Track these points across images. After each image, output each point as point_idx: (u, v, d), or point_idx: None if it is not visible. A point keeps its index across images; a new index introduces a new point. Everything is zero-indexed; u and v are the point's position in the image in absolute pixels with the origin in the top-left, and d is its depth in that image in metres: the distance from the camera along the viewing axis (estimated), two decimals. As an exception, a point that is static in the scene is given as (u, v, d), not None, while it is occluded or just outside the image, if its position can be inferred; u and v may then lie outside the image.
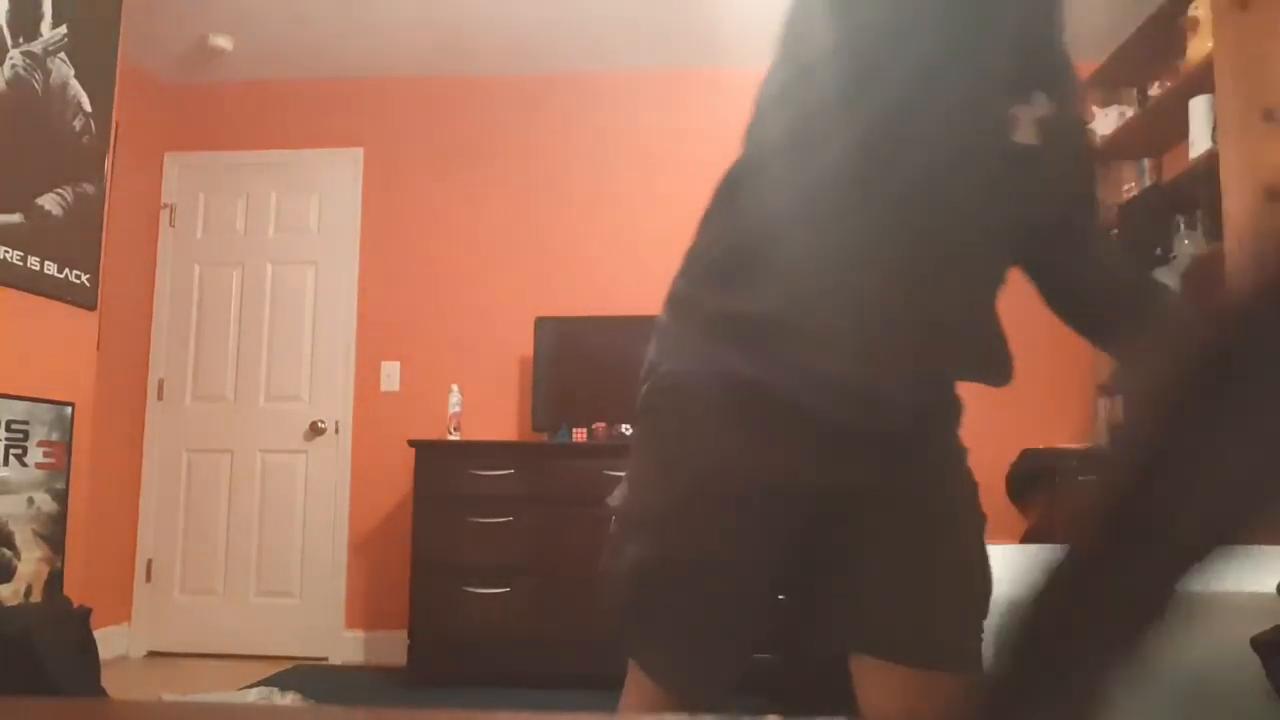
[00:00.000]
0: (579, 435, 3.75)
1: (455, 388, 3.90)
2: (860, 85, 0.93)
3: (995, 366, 1.04)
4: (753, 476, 1.01)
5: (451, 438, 3.81)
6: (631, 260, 4.18)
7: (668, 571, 1.04)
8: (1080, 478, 3.21)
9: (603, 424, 3.78)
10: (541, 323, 3.99)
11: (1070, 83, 1.06)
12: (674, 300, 1.09)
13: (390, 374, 4.21)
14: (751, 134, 1.08)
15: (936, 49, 0.92)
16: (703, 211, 1.10)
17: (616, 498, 1.11)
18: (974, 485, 1.11)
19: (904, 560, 1.04)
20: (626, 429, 3.77)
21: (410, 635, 3.54)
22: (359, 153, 4.36)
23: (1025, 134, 0.97)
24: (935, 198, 0.94)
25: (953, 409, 1.11)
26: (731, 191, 1.08)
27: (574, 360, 3.95)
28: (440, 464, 3.61)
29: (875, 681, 1.07)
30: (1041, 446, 3.55)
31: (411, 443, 3.67)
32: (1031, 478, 3.49)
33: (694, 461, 1.03)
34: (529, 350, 4.04)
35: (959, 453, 1.11)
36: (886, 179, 0.93)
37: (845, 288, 0.95)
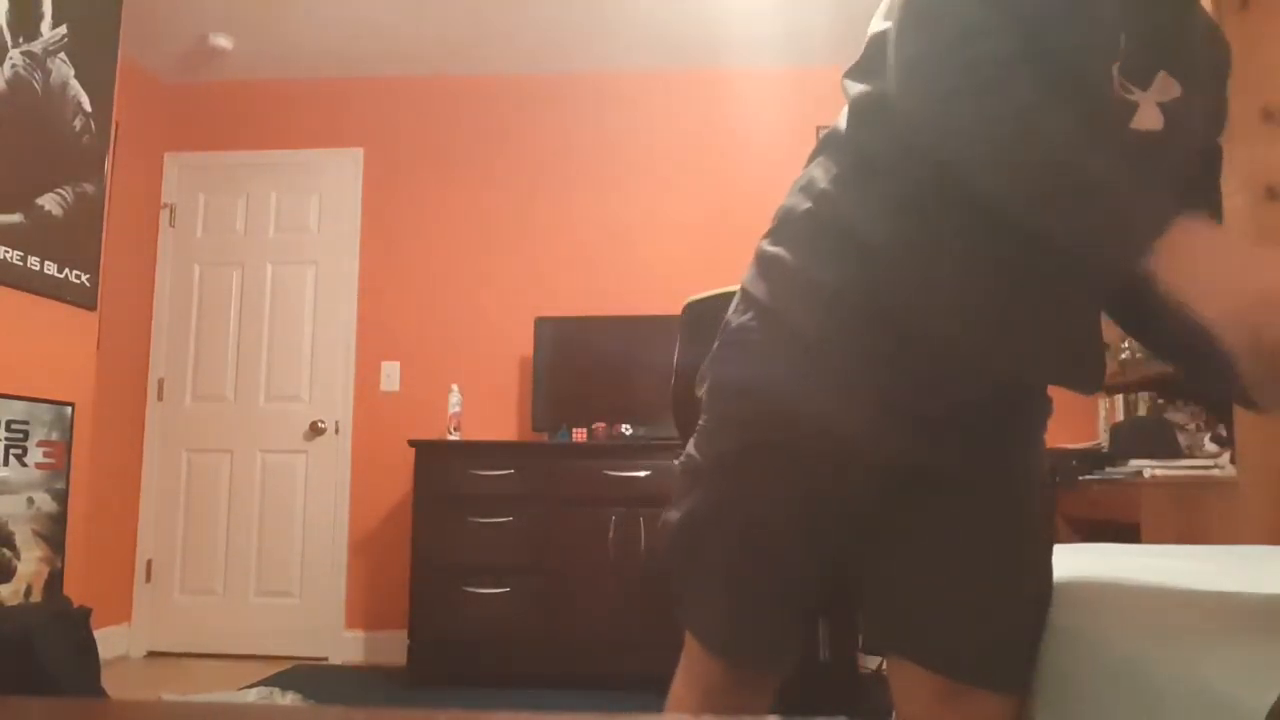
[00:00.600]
0: (579, 435, 3.75)
1: (455, 388, 3.90)
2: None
3: (1090, 375, 1.01)
4: (810, 433, 0.97)
5: (451, 438, 3.82)
6: (631, 260, 4.18)
7: (714, 521, 1.02)
8: (1080, 478, 3.21)
9: (603, 424, 3.78)
10: (541, 323, 3.99)
11: (1206, 64, 0.97)
12: (761, 257, 1.05)
13: (390, 374, 4.21)
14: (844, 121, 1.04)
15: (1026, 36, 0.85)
16: (828, 176, 1.02)
17: (680, 457, 1.10)
18: (1050, 488, 1.10)
19: (962, 560, 1.00)
20: (626, 429, 3.77)
21: (410, 635, 3.54)
22: (359, 153, 4.36)
23: (1146, 119, 0.90)
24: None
25: (1041, 408, 1.09)
26: (823, 169, 1.02)
27: (574, 360, 3.95)
28: (440, 464, 3.61)
29: (913, 689, 1.02)
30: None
31: (411, 443, 3.67)
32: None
33: (754, 410, 1.01)
34: (529, 350, 4.04)
35: (1039, 455, 1.09)
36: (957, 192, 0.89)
37: (954, 287, 0.92)
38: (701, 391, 1.10)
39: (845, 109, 1.04)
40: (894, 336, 0.95)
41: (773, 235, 1.06)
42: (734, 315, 1.08)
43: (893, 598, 1.04)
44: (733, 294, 1.13)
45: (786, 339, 0.99)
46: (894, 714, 1.11)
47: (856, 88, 1.01)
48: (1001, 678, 1.00)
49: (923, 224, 0.93)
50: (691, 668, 1.10)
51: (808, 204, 1.01)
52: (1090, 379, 1.00)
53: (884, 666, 1.14)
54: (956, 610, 1.00)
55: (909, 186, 0.94)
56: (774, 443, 0.99)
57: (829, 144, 1.05)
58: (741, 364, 1.04)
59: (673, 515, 1.07)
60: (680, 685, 1.12)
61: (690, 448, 1.09)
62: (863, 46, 1.03)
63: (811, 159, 1.07)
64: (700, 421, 1.09)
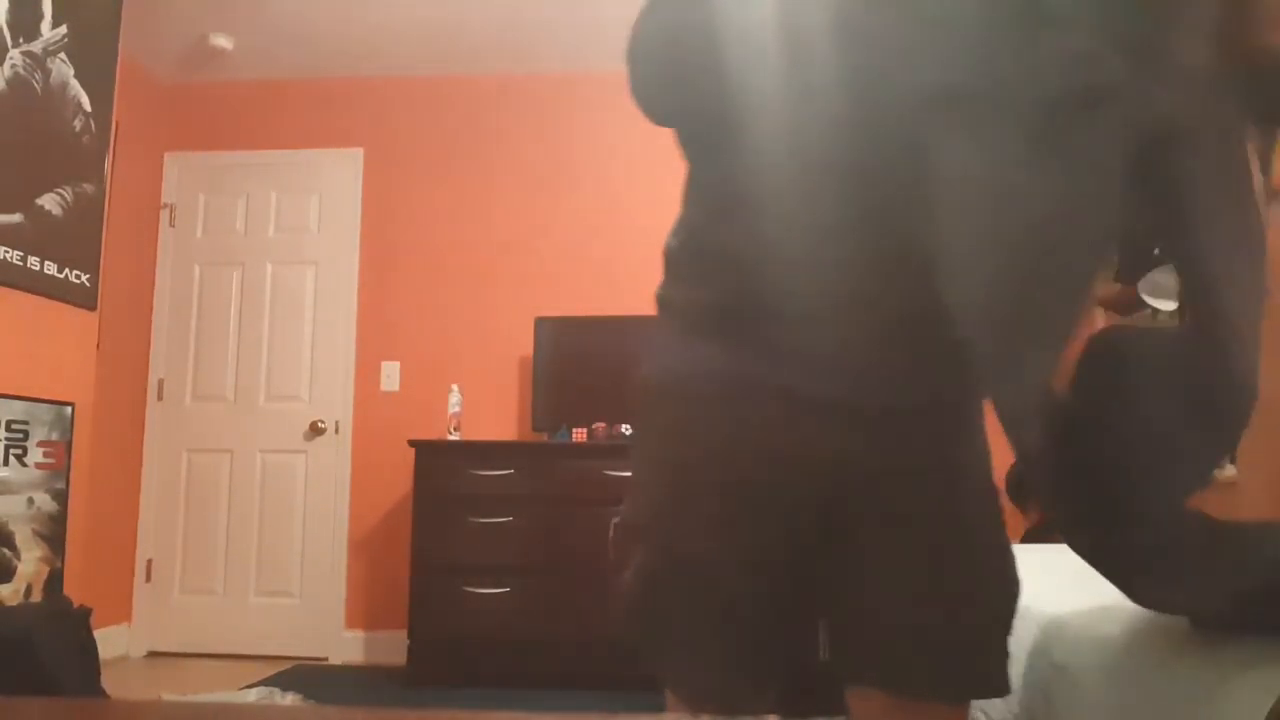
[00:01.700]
0: (579, 435, 3.75)
1: (455, 388, 3.90)
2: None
3: (1013, 413, 0.90)
4: (740, 463, 0.95)
5: (451, 438, 3.82)
6: (631, 260, 4.18)
7: (673, 576, 0.99)
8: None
9: (603, 424, 3.78)
10: (541, 323, 3.99)
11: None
12: (658, 304, 1.06)
13: (390, 374, 4.21)
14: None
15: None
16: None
17: (624, 510, 1.07)
18: (993, 489, 1.01)
19: (909, 576, 0.95)
20: (627, 429, 3.77)
21: (410, 635, 3.54)
22: (359, 153, 4.36)
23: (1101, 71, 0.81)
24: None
25: (971, 405, 1.01)
26: (693, 190, 1.05)
27: (574, 360, 3.95)
28: (440, 464, 3.61)
29: (864, 708, 0.98)
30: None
31: (411, 443, 3.67)
32: (1029, 478, 3.48)
33: (681, 457, 0.99)
34: (529, 350, 4.04)
35: (974, 454, 1.01)
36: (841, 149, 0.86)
37: (812, 265, 0.89)
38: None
39: None
40: (787, 322, 0.92)
41: (665, 277, 1.09)
42: (646, 357, 1.08)
43: (838, 620, 1.01)
44: None
45: (702, 379, 0.99)
46: None
47: None
48: (951, 690, 0.96)
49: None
50: (670, 709, 1.09)
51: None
52: (1013, 415, 0.84)
53: None
54: (896, 626, 0.95)
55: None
56: (708, 487, 0.97)
57: None
58: (661, 414, 1.03)
59: (622, 578, 1.04)
60: None
61: (626, 501, 1.07)
62: None
63: None
64: (631, 465, 1.08)
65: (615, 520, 1.09)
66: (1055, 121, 0.76)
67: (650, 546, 1.02)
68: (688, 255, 1.01)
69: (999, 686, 0.96)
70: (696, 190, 1.02)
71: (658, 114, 1.01)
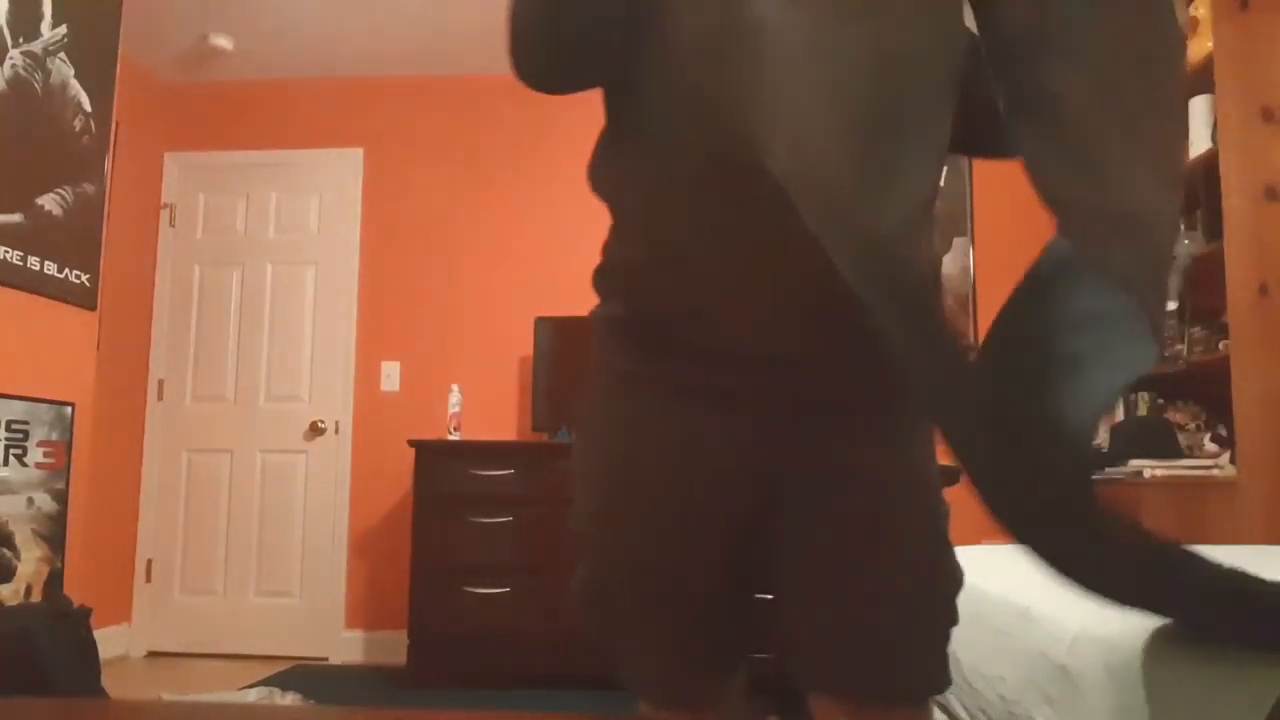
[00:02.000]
0: (579, 435, 3.74)
1: (455, 388, 3.90)
2: None
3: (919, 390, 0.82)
4: (669, 470, 0.95)
5: (451, 438, 3.82)
6: (631, 260, 4.18)
7: (613, 581, 1.01)
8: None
9: (603, 424, 3.78)
10: (541, 323, 3.99)
11: None
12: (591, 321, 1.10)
13: (390, 374, 4.21)
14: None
15: None
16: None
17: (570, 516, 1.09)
18: (932, 473, 0.96)
19: (841, 576, 0.92)
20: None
21: (410, 635, 3.54)
22: (359, 153, 4.36)
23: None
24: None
25: (905, 401, 0.93)
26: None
27: (574, 360, 3.95)
28: (440, 464, 3.61)
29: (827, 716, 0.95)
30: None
31: (411, 443, 3.67)
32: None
33: (606, 466, 1.01)
34: (529, 350, 4.04)
35: (905, 435, 0.96)
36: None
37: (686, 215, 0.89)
38: None
39: None
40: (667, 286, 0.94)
41: None
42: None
43: (785, 627, 0.98)
44: None
45: (616, 386, 1.03)
46: None
47: None
48: (909, 692, 0.93)
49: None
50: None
51: None
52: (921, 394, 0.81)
53: None
54: (843, 630, 0.92)
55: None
56: (635, 490, 0.98)
57: None
58: (587, 426, 1.08)
59: (573, 586, 1.06)
60: None
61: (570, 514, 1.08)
62: None
63: None
64: None
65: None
66: None
67: (590, 557, 1.03)
68: (602, 272, 1.04)
69: (944, 683, 0.94)
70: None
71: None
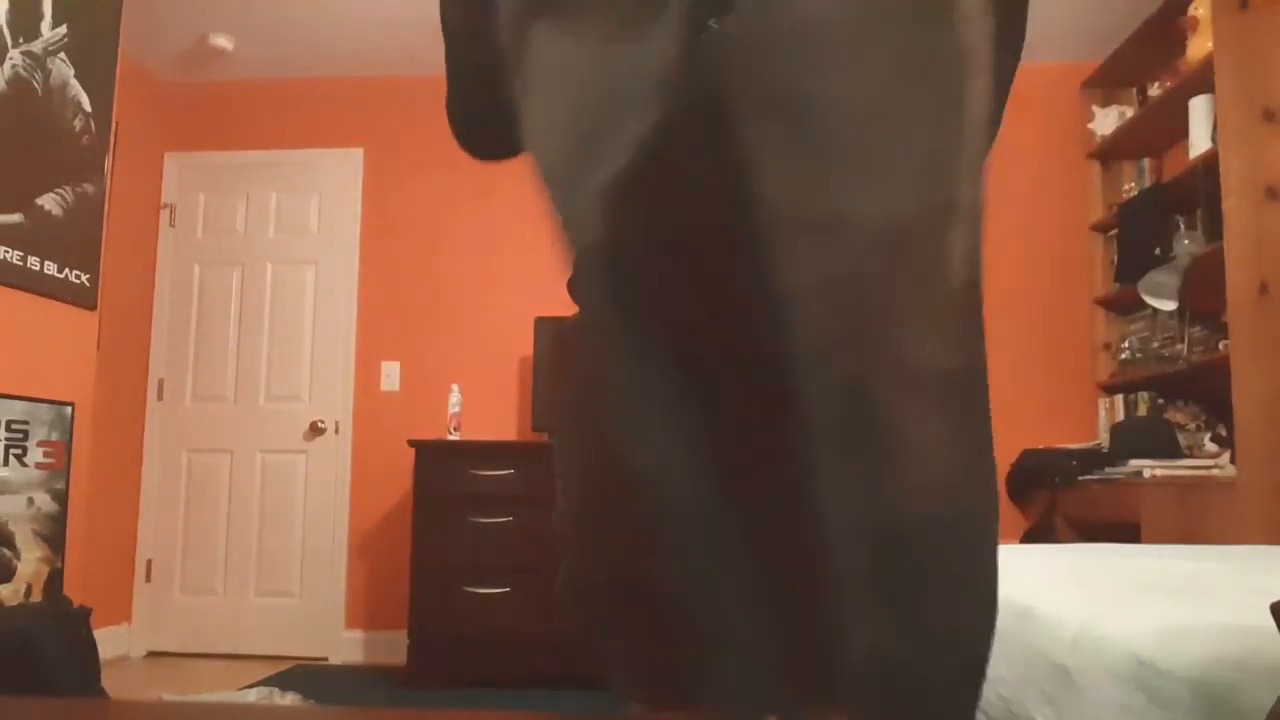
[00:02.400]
0: (579, 435, 3.75)
1: (455, 388, 3.90)
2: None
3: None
4: (618, 459, 0.93)
5: (451, 438, 3.82)
6: (631, 260, 4.18)
7: (592, 580, 1.01)
8: (1080, 478, 3.21)
9: (603, 424, 3.77)
10: (541, 323, 3.99)
11: None
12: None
13: (390, 374, 4.21)
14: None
15: None
16: None
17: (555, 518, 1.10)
18: (993, 500, 0.97)
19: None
20: (626, 429, 3.77)
21: (410, 635, 3.54)
22: (359, 153, 4.36)
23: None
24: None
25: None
26: None
27: (574, 360, 3.95)
28: (440, 464, 3.61)
29: None
30: (1041, 446, 3.55)
31: (411, 443, 3.67)
32: (1031, 478, 3.49)
33: (570, 463, 1.03)
34: (529, 350, 4.04)
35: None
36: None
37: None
38: None
39: None
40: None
41: None
42: None
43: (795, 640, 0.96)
44: None
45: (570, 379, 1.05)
46: None
47: None
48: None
49: None
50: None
51: None
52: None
53: None
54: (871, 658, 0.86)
55: None
56: (590, 485, 0.99)
57: None
58: (560, 429, 1.08)
59: (559, 590, 1.06)
60: None
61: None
62: None
63: None
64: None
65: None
66: None
67: (569, 559, 1.04)
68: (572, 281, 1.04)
69: None
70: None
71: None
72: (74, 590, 2.64)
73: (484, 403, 4.09)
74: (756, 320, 0.83)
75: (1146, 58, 3.54)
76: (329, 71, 4.34)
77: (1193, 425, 3.15)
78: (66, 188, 2.69)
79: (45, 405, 2.62)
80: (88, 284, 2.79)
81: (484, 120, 1.14)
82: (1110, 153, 3.85)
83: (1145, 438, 3.08)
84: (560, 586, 1.04)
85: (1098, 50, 3.73)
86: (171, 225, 4.37)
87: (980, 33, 0.77)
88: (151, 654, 4.10)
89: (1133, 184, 3.73)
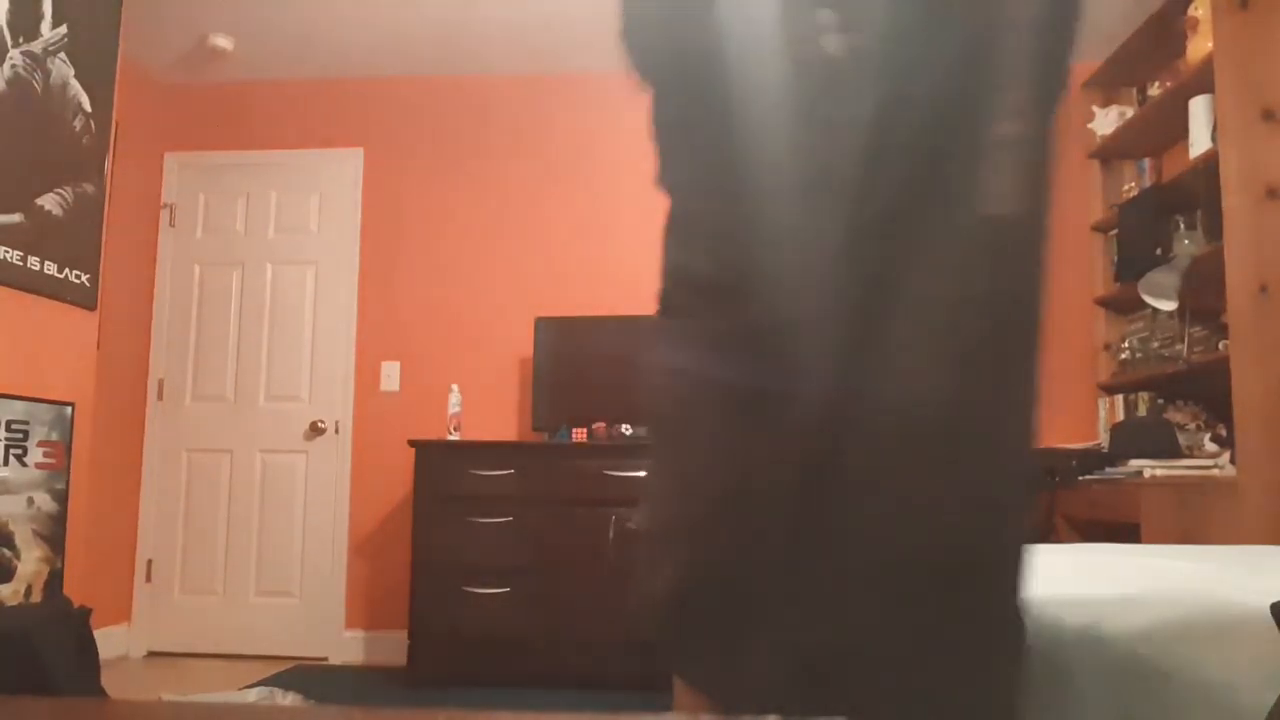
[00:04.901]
0: (579, 435, 3.75)
1: (455, 388, 3.90)
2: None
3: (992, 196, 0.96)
4: (749, 469, 0.96)
5: (451, 438, 3.82)
6: (631, 260, 4.18)
7: (709, 585, 1.00)
8: (1080, 478, 3.21)
9: (603, 424, 3.78)
10: (541, 323, 3.99)
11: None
12: (663, 307, 1.07)
13: (390, 374, 4.21)
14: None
15: None
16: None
17: (641, 518, 1.08)
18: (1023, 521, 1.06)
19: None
20: (627, 429, 3.78)
21: (410, 635, 3.54)
22: (359, 153, 4.36)
23: (830, 46, 0.88)
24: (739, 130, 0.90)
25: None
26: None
27: (574, 360, 3.95)
28: (440, 464, 3.62)
29: None
30: (1041, 446, 3.55)
31: (411, 443, 3.67)
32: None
33: (698, 464, 1.00)
34: (529, 350, 4.04)
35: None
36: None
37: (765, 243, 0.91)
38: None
39: None
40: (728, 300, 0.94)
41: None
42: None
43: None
44: None
45: (679, 382, 1.01)
46: None
47: None
48: None
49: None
50: (680, 709, 1.09)
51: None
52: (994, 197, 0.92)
53: None
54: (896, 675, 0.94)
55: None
56: (718, 492, 0.98)
57: None
58: (661, 423, 1.04)
59: (656, 587, 1.05)
60: None
61: (647, 509, 1.07)
62: None
63: None
64: (647, 482, 1.08)
65: (628, 523, 1.09)
66: None
67: (681, 560, 1.02)
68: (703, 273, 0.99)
69: None
70: (683, 179, 1.01)
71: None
72: (74, 590, 2.64)
73: (484, 403, 4.10)
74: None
75: (1146, 58, 3.54)
76: (329, 71, 4.34)
77: (1193, 425, 3.15)
78: (66, 188, 2.69)
79: (45, 405, 2.62)
80: (88, 284, 2.79)
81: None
82: (1110, 153, 3.85)
83: (1145, 438, 3.08)
84: (661, 586, 1.03)
85: (1098, 50, 3.73)
86: (171, 225, 4.37)
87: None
88: (151, 654, 4.10)
89: (1133, 184, 3.73)
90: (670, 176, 0.97)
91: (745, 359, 0.94)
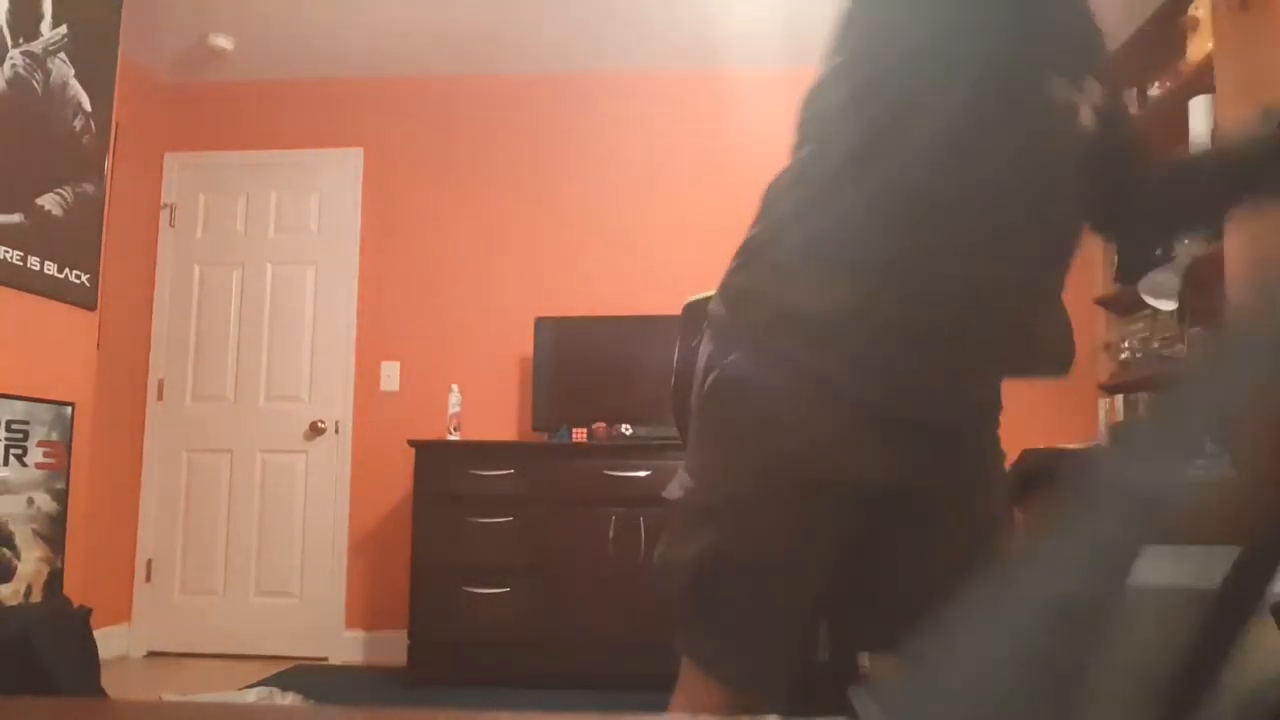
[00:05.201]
0: (579, 435, 3.75)
1: (455, 388, 3.90)
2: (928, 90, 0.93)
3: (1061, 359, 1.03)
4: (820, 471, 1.00)
5: (451, 438, 3.81)
6: (631, 260, 4.18)
7: (735, 562, 1.03)
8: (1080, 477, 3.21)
9: (603, 424, 3.78)
10: (541, 323, 3.99)
11: (1107, 61, 1.07)
12: (734, 293, 1.07)
13: (390, 374, 4.21)
14: (814, 133, 1.05)
15: (998, 46, 0.93)
16: (760, 206, 1.09)
17: (677, 490, 1.09)
18: (1007, 486, 1.14)
19: (945, 568, 1.03)
20: (626, 429, 3.77)
21: (410, 635, 3.54)
22: (359, 153, 4.36)
23: (1086, 120, 0.99)
24: (1005, 196, 0.95)
25: (997, 407, 1.12)
26: (794, 187, 1.05)
27: (574, 360, 3.95)
28: (440, 464, 3.61)
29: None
30: (1041, 446, 3.55)
31: (411, 443, 3.67)
32: (1031, 478, 3.48)
33: (764, 453, 1.02)
34: (529, 350, 4.04)
35: (1000, 455, 1.14)
36: (955, 181, 0.94)
37: (918, 285, 0.95)
38: (697, 416, 1.10)
39: (829, 96, 1.05)
40: (892, 341, 0.97)
41: (742, 270, 1.07)
42: (718, 348, 1.07)
43: (888, 605, 1.08)
44: None
45: (784, 377, 1.01)
46: None
47: (850, 72, 1.03)
48: None
49: (920, 206, 0.95)
50: (690, 700, 1.10)
51: (789, 225, 1.03)
52: (1066, 361, 1.04)
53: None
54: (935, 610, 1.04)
55: (907, 155, 0.95)
56: (789, 483, 1.00)
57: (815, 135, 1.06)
58: (746, 407, 1.04)
59: (680, 554, 1.07)
60: (677, 714, 1.13)
61: (688, 480, 1.08)
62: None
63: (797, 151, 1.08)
64: (696, 448, 1.09)
65: (673, 497, 1.09)
66: None
67: (714, 532, 1.04)
68: (802, 256, 1.01)
69: None
70: (831, 193, 1.00)
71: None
72: (74, 590, 2.64)
73: (484, 403, 4.09)
74: None
75: (1147, 58, 3.53)
76: (329, 72, 4.34)
77: (1193, 425, 3.14)
78: (66, 188, 2.69)
79: (45, 405, 2.62)
80: (88, 284, 2.79)
81: None
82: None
83: (1145, 438, 3.07)
84: (688, 555, 1.05)
85: (1098, 50, 3.72)
86: (171, 225, 4.37)
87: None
88: (151, 654, 4.10)
89: (1133, 184, 3.72)
90: (912, 235, 0.97)
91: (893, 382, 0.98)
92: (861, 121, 0.98)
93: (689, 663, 1.10)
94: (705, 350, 1.10)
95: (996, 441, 1.13)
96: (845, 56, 1.02)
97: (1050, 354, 1.02)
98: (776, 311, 1.02)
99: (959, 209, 0.94)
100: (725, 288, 1.08)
